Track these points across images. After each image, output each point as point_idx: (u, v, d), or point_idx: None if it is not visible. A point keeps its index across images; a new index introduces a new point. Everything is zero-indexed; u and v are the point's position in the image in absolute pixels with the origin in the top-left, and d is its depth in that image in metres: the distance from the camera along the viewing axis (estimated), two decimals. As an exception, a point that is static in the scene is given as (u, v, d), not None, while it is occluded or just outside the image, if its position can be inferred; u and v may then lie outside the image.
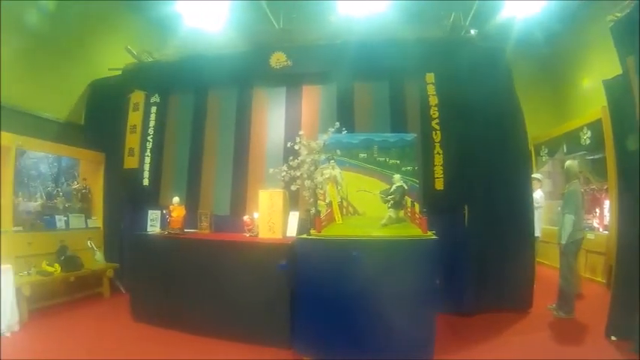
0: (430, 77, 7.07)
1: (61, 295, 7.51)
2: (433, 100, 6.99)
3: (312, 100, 7.75)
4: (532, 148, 11.29)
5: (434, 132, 6.89)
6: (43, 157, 8.87)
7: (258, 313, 5.67)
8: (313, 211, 5.55)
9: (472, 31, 7.92)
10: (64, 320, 6.71)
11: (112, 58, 9.56)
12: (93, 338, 6.00)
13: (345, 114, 7.14)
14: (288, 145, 6.33)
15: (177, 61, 8.63)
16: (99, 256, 8.46)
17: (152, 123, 8.59)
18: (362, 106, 7.42)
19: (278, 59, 7.73)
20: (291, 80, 7.87)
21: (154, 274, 6.53)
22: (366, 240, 4.99)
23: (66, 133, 9.19)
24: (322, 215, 5.45)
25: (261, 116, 8.02)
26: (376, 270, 4.75)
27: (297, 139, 6.08)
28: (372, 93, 7.48)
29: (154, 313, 6.45)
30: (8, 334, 5.76)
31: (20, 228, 7.41)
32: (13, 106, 8.09)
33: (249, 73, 7.99)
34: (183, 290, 6.25)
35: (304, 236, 5.36)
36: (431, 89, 7.03)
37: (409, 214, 5.36)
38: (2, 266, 5.94)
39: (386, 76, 7.40)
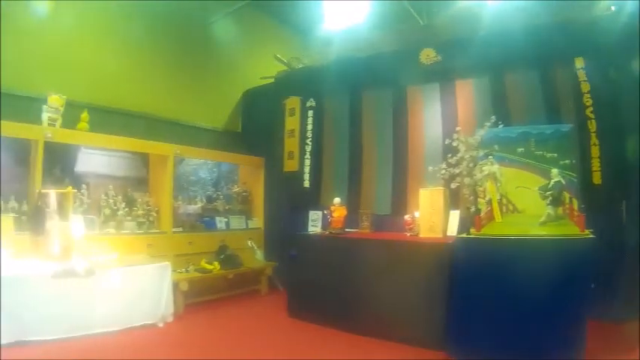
0: (579, 61, 6.68)
1: (219, 291, 8.24)
2: (585, 87, 6.62)
3: (466, 95, 7.78)
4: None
5: (589, 121, 6.52)
6: (202, 163, 9.99)
7: (413, 313, 5.83)
8: (473, 209, 5.69)
9: (612, 8, 7.65)
10: (218, 313, 7.48)
11: (263, 68, 10.45)
12: (243, 330, 6.69)
13: (499, 107, 7.16)
14: (446, 142, 6.59)
15: (327, 65, 9.14)
16: (259, 255, 9.21)
17: (310, 126, 9.24)
18: (515, 97, 7.33)
19: (428, 55, 7.87)
20: (443, 75, 7.93)
21: (313, 272, 7.00)
22: (523, 239, 4.99)
23: (225, 140, 10.27)
24: (482, 213, 5.47)
25: (418, 114, 8.21)
26: (534, 270, 4.73)
27: (455, 136, 6.36)
28: (524, 83, 7.32)
29: (310, 310, 6.93)
30: (161, 325, 6.52)
31: (180, 229, 8.31)
32: (173, 120, 9.48)
33: (401, 72, 8.17)
34: (340, 288, 6.61)
35: (464, 235, 5.51)
36: (582, 75, 6.65)
37: (567, 211, 5.17)
38: (160, 263, 6.79)
39: (535, 65, 7.23)
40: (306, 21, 10.49)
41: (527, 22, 7.09)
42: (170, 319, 6.71)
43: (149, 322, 6.42)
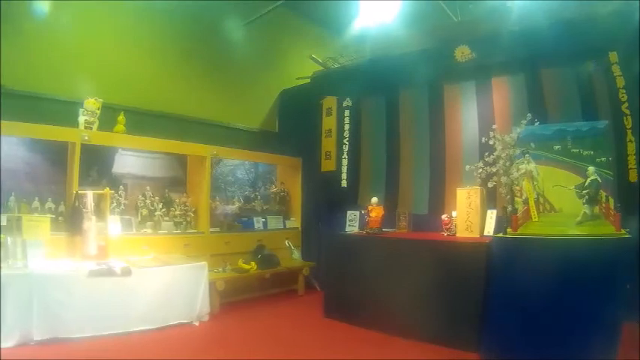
0: (613, 56, 6.51)
1: (256, 291, 8.45)
2: (620, 82, 6.46)
3: (502, 92, 7.68)
4: None
5: (624, 117, 6.37)
6: (239, 164, 10.18)
7: (448, 314, 5.83)
8: (510, 208, 5.69)
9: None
10: (253, 313, 7.59)
11: (298, 68, 10.75)
12: (278, 330, 6.80)
13: (535, 104, 7.10)
14: (483, 140, 6.63)
15: (363, 64, 9.27)
16: (296, 254, 9.41)
17: (346, 126, 9.39)
18: (550, 93, 7.23)
19: (462, 53, 7.82)
20: (478, 73, 7.88)
21: (350, 272, 7.09)
22: (559, 239, 4.98)
23: (262, 140, 10.54)
24: (519, 213, 5.52)
25: (454, 112, 8.18)
26: (570, 270, 4.70)
27: (491, 134, 6.39)
28: (559, 79, 7.21)
29: (345, 310, 7.01)
30: (197, 324, 6.70)
31: (217, 229, 8.58)
32: (210, 121, 9.78)
33: (437, 70, 8.13)
34: (376, 288, 6.68)
35: (500, 235, 5.52)
36: (616, 69, 6.49)
37: (603, 210, 5.16)
38: (197, 263, 6.97)
39: (570, 60, 7.10)
40: (341, 20, 10.43)
41: (560, 17, 7.00)
42: (206, 318, 6.91)
43: (185, 321, 6.63)
